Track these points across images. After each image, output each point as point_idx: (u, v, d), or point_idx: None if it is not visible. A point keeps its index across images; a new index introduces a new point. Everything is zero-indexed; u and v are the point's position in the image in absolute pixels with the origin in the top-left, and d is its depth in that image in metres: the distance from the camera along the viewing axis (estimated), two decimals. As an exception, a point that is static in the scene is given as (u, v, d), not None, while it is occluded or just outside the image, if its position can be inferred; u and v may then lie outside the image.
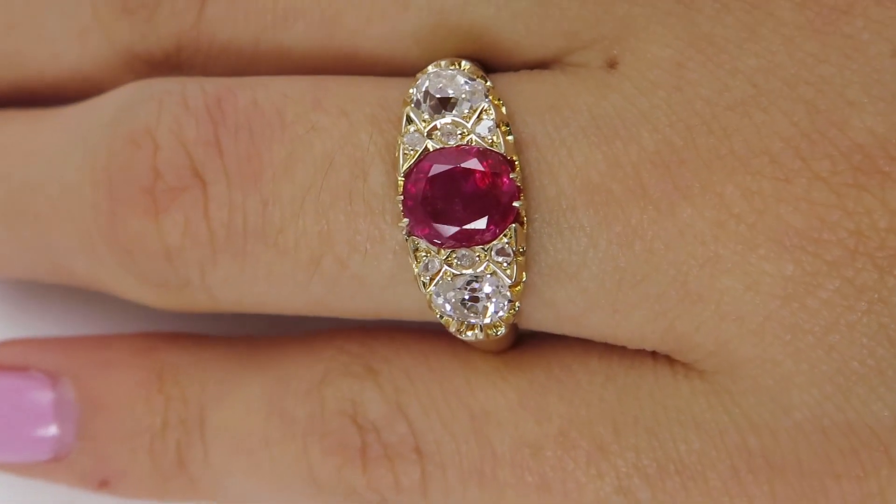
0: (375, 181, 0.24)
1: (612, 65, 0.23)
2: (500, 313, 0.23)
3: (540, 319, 0.24)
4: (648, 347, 0.24)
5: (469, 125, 0.23)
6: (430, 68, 0.23)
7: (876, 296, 0.22)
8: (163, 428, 0.26)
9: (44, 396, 0.27)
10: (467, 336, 0.24)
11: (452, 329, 0.24)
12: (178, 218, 0.24)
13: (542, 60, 0.24)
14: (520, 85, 0.24)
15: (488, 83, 0.23)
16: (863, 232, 0.22)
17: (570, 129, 0.23)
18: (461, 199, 0.23)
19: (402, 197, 0.23)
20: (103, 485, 0.27)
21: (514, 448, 0.24)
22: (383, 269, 0.24)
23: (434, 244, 0.23)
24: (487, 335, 0.24)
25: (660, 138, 0.22)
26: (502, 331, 0.24)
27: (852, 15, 0.22)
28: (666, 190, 0.22)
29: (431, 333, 0.26)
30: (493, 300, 0.23)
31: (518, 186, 0.23)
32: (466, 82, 0.23)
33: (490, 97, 0.23)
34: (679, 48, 0.23)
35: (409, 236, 0.23)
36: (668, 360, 0.24)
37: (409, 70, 0.24)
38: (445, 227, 0.23)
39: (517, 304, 0.23)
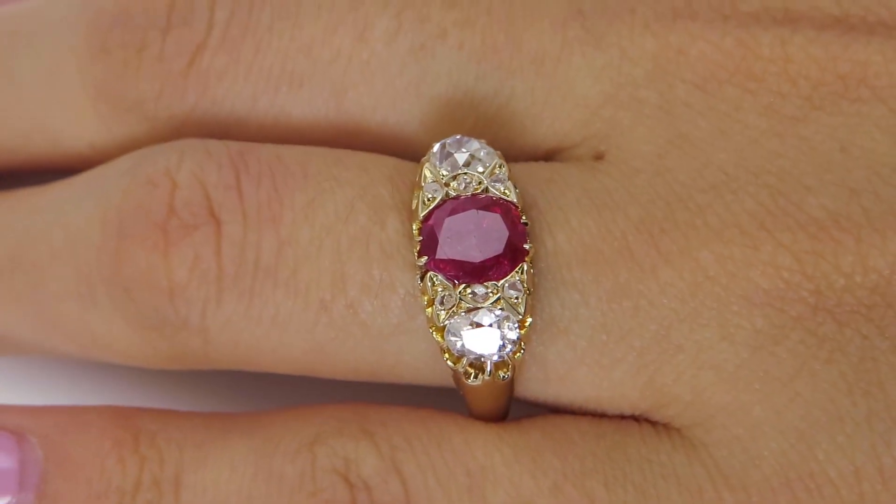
0: (392, 228, 0.25)
1: (599, 157, 0.26)
2: (510, 348, 0.24)
3: (529, 379, 0.25)
4: (627, 407, 0.25)
5: (485, 179, 0.25)
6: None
7: (836, 346, 0.25)
8: (134, 489, 0.25)
9: (7, 461, 0.25)
10: (474, 381, 0.24)
11: (461, 369, 0.24)
12: (188, 254, 0.25)
13: (534, 158, 0.27)
14: (518, 167, 0.26)
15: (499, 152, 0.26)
16: (822, 292, 0.25)
17: (565, 198, 0.26)
18: (478, 236, 0.24)
19: (420, 238, 0.25)
20: None
21: (508, 503, 0.24)
22: (391, 316, 0.25)
23: (450, 279, 0.24)
24: (495, 377, 0.24)
25: (643, 211, 0.25)
26: (509, 374, 0.24)
27: (807, 122, 0.26)
28: (650, 253, 0.25)
29: (427, 405, 0.26)
30: (504, 335, 0.24)
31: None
32: (481, 147, 0.26)
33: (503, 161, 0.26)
34: (659, 144, 0.26)
35: (424, 274, 0.24)
36: (649, 421, 0.26)
37: (412, 152, 0.26)
38: (463, 261, 0.24)
39: (523, 344, 0.24)
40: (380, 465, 0.25)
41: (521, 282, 0.24)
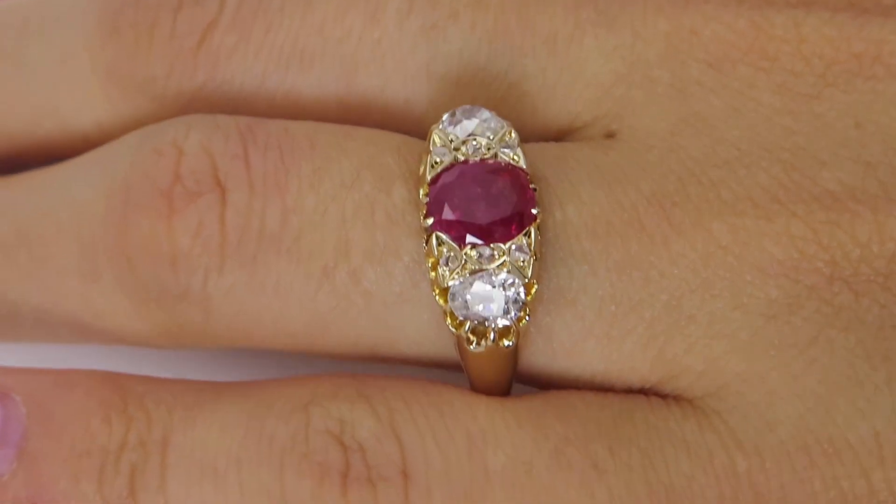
0: (398, 195, 0.25)
1: (610, 136, 0.26)
2: (514, 312, 0.23)
3: (535, 352, 0.25)
4: (637, 380, 0.25)
5: (495, 145, 0.25)
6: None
7: (853, 315, 0.24)
8: (119, 449, 0.24)
9: None
10: (477, 348, 0.24)
11: (463, 334, 0.24)
12: (192, 221, 0.25)
13: (545, 139, 0.27)
14: (528, 146, 0.26)
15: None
16: (837, 262, 0.24)
17: (576, 173, 0.25)
18: (486, 198, 0.24)
19: (427, 199, 0.24)
20: None
21: (507, 465, 0.24)
22: (394, 284, 0.24)
23: (455, 240, 0.23)
24: (499, 345, 0.23)
25: (655, 185, 0.25)
26: (513, 342, 0.24)
27: (821, 99, 0.25)
28: (661, 225, 0.24)
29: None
30: (509, 297, 0.23)
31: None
32: (492, 116, 0.25)
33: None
34: (672, 122, 0.26)
35: (430, 235, 0.24)
36: (658, 395, 0.25)
37: (422, 132, 0.26)
38: (469, 223, 0.23)
39: (529, 310, 0.24)
40: (376, 427, 0.24)
41: (528, 245, 0.24)
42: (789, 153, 0.25)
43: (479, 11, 0.26)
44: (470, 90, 0.27)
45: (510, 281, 0.23)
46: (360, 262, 0.24)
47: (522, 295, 0.23)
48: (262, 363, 0.29)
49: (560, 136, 0.27)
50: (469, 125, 0.25)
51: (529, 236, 0.24)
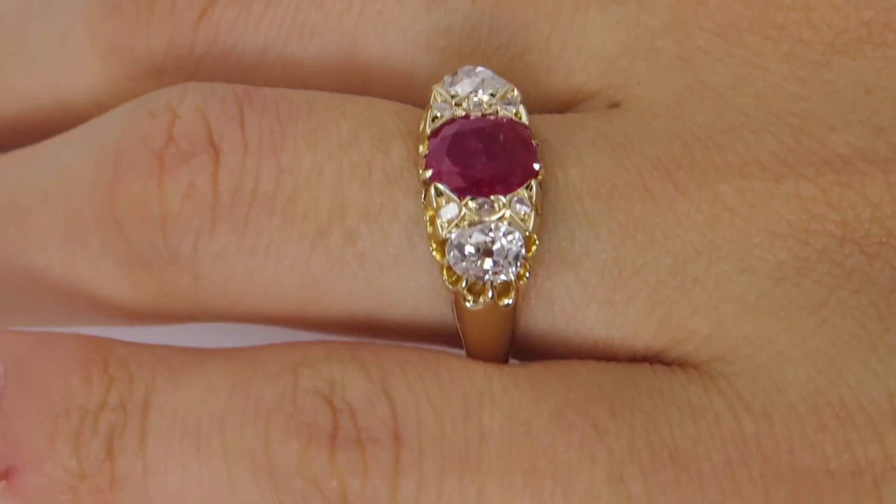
0: (397, 154, 0.24)
1: (614, 106, 0.26)
2: (514, 267, 0.22)
3: (535, 319, 0.24)
4: (641, 347, 0.24)
5: (496, 101, 0.24)
6: None
7: (865, 277, 0.23)
8: (98, 409, 0.23)
9: None
10: (475, 305, 0.23)
11: (461, 289, 0.23)
12: (183, 181, 0.24)
13: (548, 111, 0.26)
14: (530, 116, 0.25)
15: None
16: (848, 223, 0.23)
17: (579, 138, 0.25)
18: (487, 151, 0.24)
19: (426, 153, 0.23)
20: (3, 476, 0.23)
21: (504, 426, 0.22)
22: (390, 246, 0.24)
23: (454, 191, 0.23)
24: (497, 303, 0.23)
25: (660, 151, 0.24)
26: (512, 301, 0.23)
27: (830, 66, 0.25)
28: (665, 188, 0.24)
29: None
30: (509, 251, 0.23)
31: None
32: (494, 76, 0.25)
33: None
34: (677, 91, 0.25)
35: (429, 186, 0.23)
36: (663, 363, 0.24)
37: (422, 104, 0.26)
38: (469, 173, 0.23)
39: (529, 267, 0.23)
40: (368, 388, 0.23)
41: (529, 198, 0.23)
42: (798, 118, 0.24)
43: None
44: (472, 62, 0.26)
45: (510, 233, 0.23)
46: (356, 223, 0.24)
47: (522, 249, 0.23)
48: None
49: (563, 108, 0.26)
50: (470, 83, 0.24)
51: (531, 189, 0.23)
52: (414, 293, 0.24)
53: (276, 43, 0.26)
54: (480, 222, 0.23)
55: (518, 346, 0.24)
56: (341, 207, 0.24)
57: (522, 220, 0.23)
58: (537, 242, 0.23)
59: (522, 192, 0.23)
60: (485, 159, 0.23)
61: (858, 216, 0.23)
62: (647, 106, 0.25)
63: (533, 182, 0.23)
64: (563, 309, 0.24)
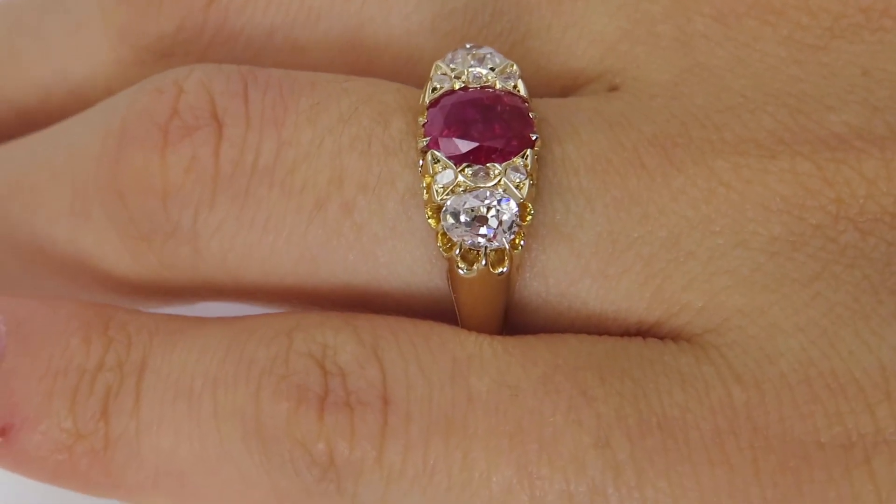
0: (396, 127, 0.24)
1: (614, 89, 0.26)
2: (508, 234, 0.23)
3: (528, 291, 0.24)
4: (634, 321, 0.24)
5: (496, 76, 0.25)
6: None
7: (859, 252, 0.23)
8: (95, 370, 0.24)
9: None
10: (469, 272, 0.23)
11: (455, 256, 0.23)
12: (186, 154, 0.24)
13: (549, 95, 0.26)
14: (531, 101, 0.26)
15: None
16: (843, 199, 0.23)
17: (577, 117, 0.25)
18: (484, 120, 0.24)
19: (425, 121, 0.23)
20: (1, 434, 0.23)
21: (492, 389, 0.23)
22: (386, 216, 0.24)
23: (452, 159, 0.23)
24: (491, 270, 0.23)
25: (657, 128, 0.24)
26: (506, 269, 0.23)
27: (828, 50, 0.25)
28: (661, 164, 0.24)
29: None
30: (503, 217, 0.23)
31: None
32: (494, 52, 0.25)
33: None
34: (675, 73, 0.25)
35: (426, 153, 0.23)
36: (656, 336, 0.24)
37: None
38: (465, 141, 0.23)
39: (524, 236, 0.23)
40: (359, 352, 0.23)
41: (524, 167, 0.23)
42: (795, 99, 0.24)
43: None
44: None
45: (505, 200, 0.23)
46: (353, 194, 0.24)
47: (517, 216, 0.23)
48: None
49: (564, 92, 0.26)
50: (471, 58, 0.25)
51: (526, 158, 0.23)
52: (410, 266, 0.24)
53: (283, 26, 0.27)
54: (476, 188, 0.23)
55: (512, 321, 0.24)
56: (339, 179, 0.24)
57: (518, 187, 0.23)
58: (532, 212, 0.23)
59: (518, 160, 0.23)
60: (481, 128, 0.23)
61: (854, 193, 0.23)
62: (646, 88, 0.25)
63: (529, 151, 0.23)
64: (556, 282, 0.24)
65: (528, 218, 0.23)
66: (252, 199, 0.24)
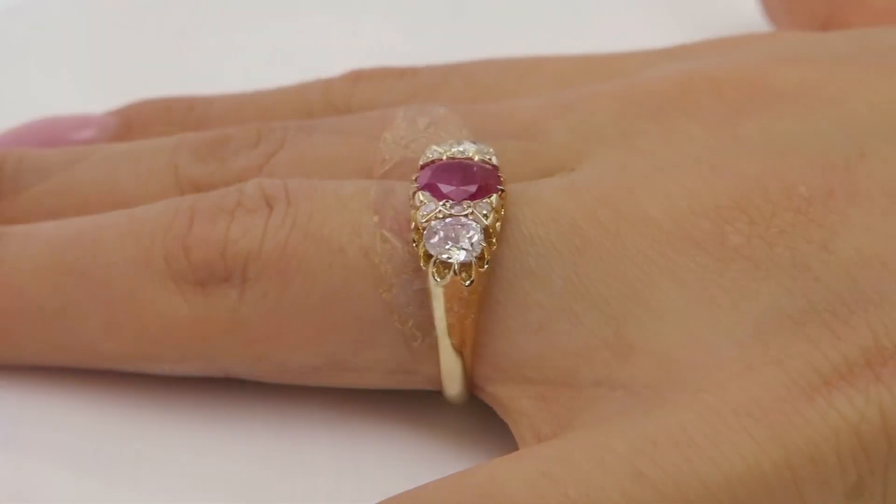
0: (401, 194, 0.31)
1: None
2: (475, 250, 0.29)
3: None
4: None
5: (475, 153, 0.32)
6: None
7: (771, 263, 0.28)
8: None
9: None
10: (441, 281, 0.29)
11: (431, 268, 0.29)
12: (246, 224, 0.31)
13: None
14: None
15: None
16: (755, 221, 0.29)
17: (539, 185, 0.31)
18: (460, 174, 0.31)
19: (417, 175, 0.31)
20: None
21: None
22: (396, 259, 0.30)
23: (434, 196, 0.30)
24: (461, 278, 0.29)
25: (602, 194, 0.31)
26: (470, 282, 0.29)
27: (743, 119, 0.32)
28: (613, 220, 0.30)
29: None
30: (472, 238, 0.29)
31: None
32: (477, 143, 0.32)
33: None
34: (622, 155, 0.32)
35: (415, 193, 0.30)
36: None
37: None
38: (445, 185, 0.30)
39: (489, 249, 0.29)
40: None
41: (490, 203, 0.30)
42: (708, 166, 0.31)
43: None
44: None
45: (471, 224, 0.29)
46: (370, 241, 0.30)
47: (481, 236, 0.29)
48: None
49: None
50: (458, 143, 0.32)
51: (492, 197, 0.30)
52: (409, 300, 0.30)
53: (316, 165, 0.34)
54: (451, 216, 0.29)
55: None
56: (358, 230, 0.31)
57: (484, 216, 0.29)
58: (496, 242, 0.29)
59: (484, 200, 0.30)
60: (459, 178, 0.30)
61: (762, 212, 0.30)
62: (597, 165, 0.32)
63: (495, 195, 0.30)
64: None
65: (493, 241, 0.29)
66: (289, 247, 0.31)
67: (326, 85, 0.37)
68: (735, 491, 0.25)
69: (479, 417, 0.32)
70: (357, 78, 0.37)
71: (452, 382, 0.30)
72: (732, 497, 0.25)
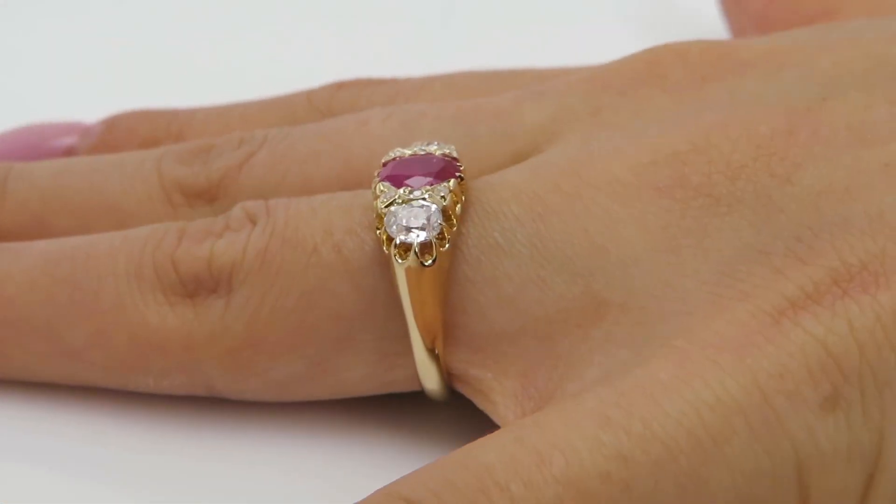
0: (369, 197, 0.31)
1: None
2: (434, 230, 0.29)
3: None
4: None
5: (437, 149, 0.32)
6: None
7: (733, 199, 0.28)
8: None
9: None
10: (403, 262, 0.29)
11: (393, 251, 0.29)
12: (231, 240, 0.32)
13: None
14: None
15: None
16: (713, 160, 0.29)
17: (505, 172, 0.32)
18: (419, 165, 0.31)
19: (380, 169, 0.31)
20: None
21: None
22: (367, 250, 0.31)
23: (394, 185, 0.30)
24: (422, 259, 0.29)
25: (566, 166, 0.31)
26: (432, 261, 0.29)
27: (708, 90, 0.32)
28: (575, 185, 0.30)
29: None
30: (430, 219, 0.29)
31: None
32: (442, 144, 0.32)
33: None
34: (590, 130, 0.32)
35: (376, 185, 0.30)
36: None
37: None
38: (405, 176, 0.31)
39: (451, 230, 0.29)
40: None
41: (448, 186, 0.30)
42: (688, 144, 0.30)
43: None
44: None
45: (429, 205, 0.29)
46: (342, 237, 0.30)
47: (439, 216, 0.29)
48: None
49: None
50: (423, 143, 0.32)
51: (450, 182, 0.30)
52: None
53: (294, 166, 0.35)
54: (409, 199, 0.30)
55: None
56: (330, 230, 0.31)
57: (442, 198, 0.30)
58: (456, 223, 0.29)
59: (444, 183, 0.30)
60: (419, 168, 0.31)
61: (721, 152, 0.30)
62: (560, 146, 0.32)
63: (453, 179, 0.30)
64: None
65: (453, 220, 0.29)
66: (269, 254, 0.31)
67: (309, 95, 0.38)
68: (706, 419, 0.25)
69: (466, 425, 0.31)
70: (339, 87, 0.38)
71: (427, 371, 0.30)
72: (704, 426, 0.25)
